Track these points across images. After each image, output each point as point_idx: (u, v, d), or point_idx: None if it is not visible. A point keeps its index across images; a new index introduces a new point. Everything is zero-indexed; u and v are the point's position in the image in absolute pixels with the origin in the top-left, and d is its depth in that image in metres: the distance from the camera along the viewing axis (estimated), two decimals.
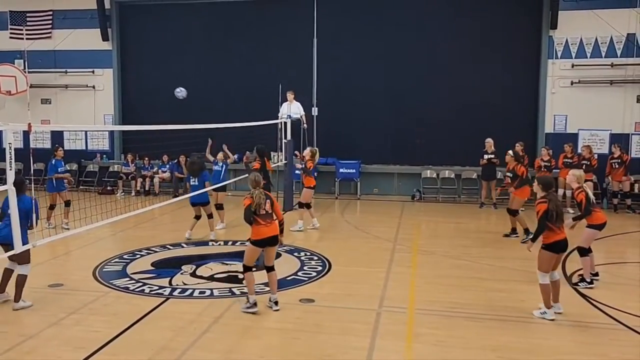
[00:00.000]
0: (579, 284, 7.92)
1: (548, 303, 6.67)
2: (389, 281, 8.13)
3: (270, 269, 6.90)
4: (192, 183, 10.90)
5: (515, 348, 5.87)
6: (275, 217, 6.81)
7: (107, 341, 5.93)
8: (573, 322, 6.58)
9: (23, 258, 6.83)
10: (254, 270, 6.91)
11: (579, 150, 14.72)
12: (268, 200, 6.80)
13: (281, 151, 14.44)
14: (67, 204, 11.58)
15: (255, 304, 6.74)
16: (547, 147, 14.61)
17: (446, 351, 5.79)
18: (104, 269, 8.70)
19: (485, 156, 14.47)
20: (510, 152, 11.25)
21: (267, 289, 7.67)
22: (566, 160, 14.14)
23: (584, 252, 7.87)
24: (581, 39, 15.26)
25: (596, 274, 8.07)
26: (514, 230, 11.04)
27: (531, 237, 10.52)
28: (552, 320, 6.55)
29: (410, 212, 14.26)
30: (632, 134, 15.09)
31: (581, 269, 8.12)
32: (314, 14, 16.10)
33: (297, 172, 13.81)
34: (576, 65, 15.31)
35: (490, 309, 6.97)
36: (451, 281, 8.16)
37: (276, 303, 6.85)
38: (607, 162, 14.24)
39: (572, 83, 15.38)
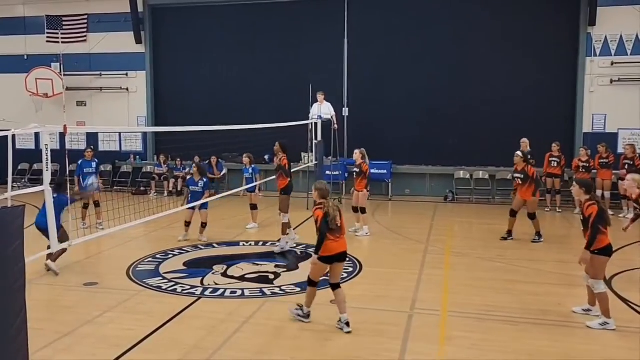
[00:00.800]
0: None
1: (608, 312, 6.38)
2: (421, 283, 8.02)
3: (336, 286, 6.34)
4: (192, 189, 10.72)
5: (552, 353, 5.73)
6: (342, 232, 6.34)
7: (141, 339, 5.98)
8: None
9: (60, 240, 7.07)
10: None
11: (620, 150, 14.34)
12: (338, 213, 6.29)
13: (312, 152, 14.41)
14: (97, 204, 11.75)
15: (308, 316, 6.45)
16: (585, 147, 14.23)
17: (480, 355, 5.68)
18: (138, 268, 8.81)
19: None
20: (519, 152, 10.94)
21: (297, 290, 7.70)
22: (602, 160, 13.74)
23: None
24: (621, 36, 14.91)
25: None
26: (538, 234, 10.66)
27: (541, 240, 10.40)
28: (614, 330, 6.28)
29: (443, 213, 14.07)
30: None
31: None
32: (344, 14, 16.03)
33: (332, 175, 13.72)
34: (616, 63, 14.97)
35: (525, 312, 6.81)
36: (485, 284, 8.01)
37: (347, 324, 6.20)
38: None
39: (611, 81, 15.02)
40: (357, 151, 11.69)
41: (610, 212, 13.02)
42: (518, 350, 5.76)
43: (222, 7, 17.86)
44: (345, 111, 16.35)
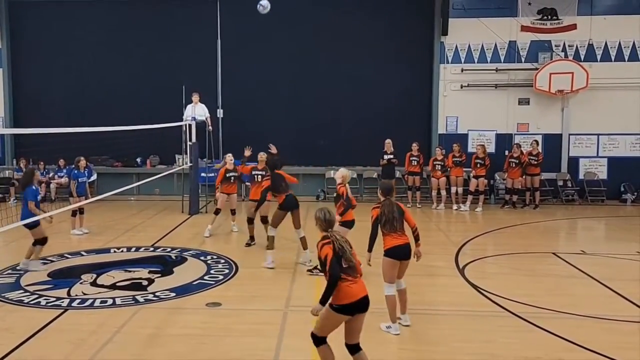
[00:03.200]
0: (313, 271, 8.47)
1: (394, 316, 6.33)
2: (295, 281, 8.29)
3: (356, 348, 4.97)
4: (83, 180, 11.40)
5: (413, 339, 6.21)
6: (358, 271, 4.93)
7: (0, 358, 5.63)
8: (465, 311, 7.05)
9: None
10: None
11: (470, 149, 15.79)
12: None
13: (186, 154, 14.25)
14: None
15: None
16: (440, 146, 15.52)
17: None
18: None
19: (385, 156, 15.07)
20: (264, 153, 10.87)
21: (172, 295, 7.65)
22: (455, 159, 15.06)
23: None
24: (469, 45, 16.36)
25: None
26: (252, 239, 10.50)
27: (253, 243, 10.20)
28: (397, 334, 6.26)
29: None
30: (515, 134, 16.40)
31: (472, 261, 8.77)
32: (217, 15, 16.01)
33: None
34: (465, 70, 16.38)
35: None
36: None
37: None
38: (506, 160, 15.27)
39: (461, 86, 16.43)
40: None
41: (462, 206, 14.55)
42: (385, 340, 6.17)
43: (89, 4, 16.99)
44: (220, 112, 16.39)
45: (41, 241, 8.79)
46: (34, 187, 8.80)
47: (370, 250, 6.34)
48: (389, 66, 16.51)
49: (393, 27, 16.53)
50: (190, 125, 13.97)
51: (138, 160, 16.98)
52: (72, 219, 11.49)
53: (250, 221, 10.39)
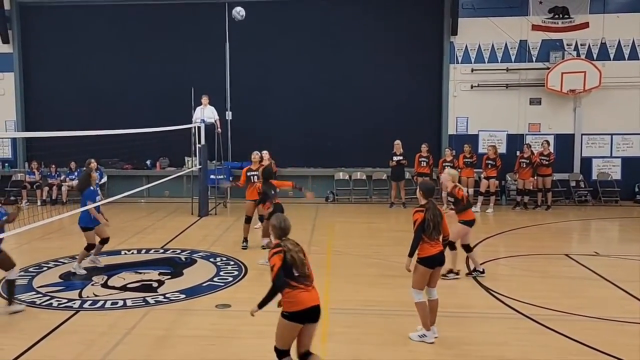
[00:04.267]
0: (447, 275, 8.24)
1: (427, 323, 6.12)
2: None
3: (304, 356, 4.85)
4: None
5: (424, 342, 6.12)
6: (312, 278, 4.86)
7: (13, 359, 5.66)
8: (477, 313, 7.01)
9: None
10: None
11: (480, 150, 15.68)
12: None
13: (195, 156, 14.28)
14: None
15: None
16: (450, 147, 15.43)
17: (359, 349, 5.97)
18: None
19: (395, 158, 15.02)
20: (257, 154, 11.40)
21: (182, 297, 7.67)
22: (466, 159, 14.94)
23: (453, 246, 8.25)
24: (479, 45, 16.22)
25: (482, 271, 8.48)
26: (246, 240, 10.39)
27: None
28: (432, 343, 6.08)
29: (325, 213, 14.51)
30: (526, 134, 16.23)
31: (483, 262, 8.70)
32: (225, 18, 16.05)
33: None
34: (475, 70, 16.24)
35: (402, 305, 7.15)
36: (364, 280, 8.40)
37: None
38: (517, 160, 15.12)
39: (472, 87, 16.29)
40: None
41: (473, 207, 14.36)
42: (394, 342, 6.13)
43: (99, 7, 17.10)
44: (229, 115, 16.41)
45: (88, 247, 8.83)
46: (91, 189, 8.95)
47: (411, 255, 6.19)
48: (398, 66, 16.43)
49: (402, 27, 16.45)
50: (199, 128, 14.00)
51: (148, 162, 17.07)
52: None
53: (248, 220, 10.41)
